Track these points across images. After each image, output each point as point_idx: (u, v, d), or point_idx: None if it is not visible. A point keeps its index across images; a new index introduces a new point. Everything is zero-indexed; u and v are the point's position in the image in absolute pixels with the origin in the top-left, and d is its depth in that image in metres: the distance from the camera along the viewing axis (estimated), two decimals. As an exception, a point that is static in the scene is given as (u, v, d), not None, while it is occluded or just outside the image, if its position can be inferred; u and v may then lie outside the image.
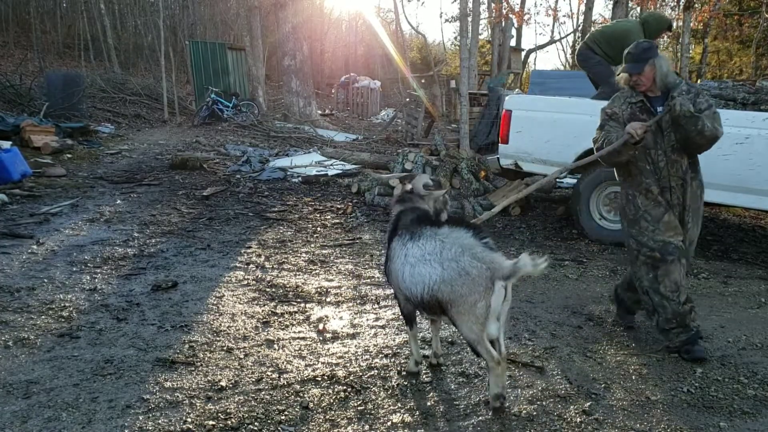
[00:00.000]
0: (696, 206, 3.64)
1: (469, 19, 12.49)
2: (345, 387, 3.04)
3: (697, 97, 3.50)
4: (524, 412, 2.85)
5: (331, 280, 4.78)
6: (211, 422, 2.65)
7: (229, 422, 2.66)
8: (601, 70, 6.74)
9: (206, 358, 3.28)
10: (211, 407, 2.78)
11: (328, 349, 3.50)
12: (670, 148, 3.52)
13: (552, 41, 33.81)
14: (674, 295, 3.51)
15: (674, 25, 26.61)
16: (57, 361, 3.16)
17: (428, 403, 2.92)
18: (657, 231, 3.52)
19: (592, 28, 19.85)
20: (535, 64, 45.66)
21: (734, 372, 3.40)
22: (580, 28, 24.31)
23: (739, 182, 5.47)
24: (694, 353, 3.52)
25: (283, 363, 3.28)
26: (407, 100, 17.01)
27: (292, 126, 15.99)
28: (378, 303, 4.30)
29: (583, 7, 22.16)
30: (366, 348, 3.54)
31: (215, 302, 4.14)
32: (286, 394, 2.94)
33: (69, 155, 10.03)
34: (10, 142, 8.75)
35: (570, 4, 55.32)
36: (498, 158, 7.26)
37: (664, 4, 22.24)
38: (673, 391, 3.14)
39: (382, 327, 3.88)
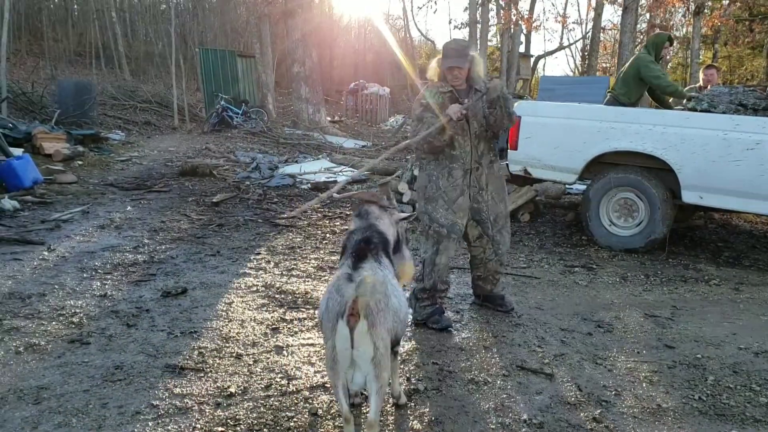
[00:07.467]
0: (498, 186, 4.07)
1: (479, 26, 12.50)
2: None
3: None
4: (534, 419, 2.84)
5: (340, 287, 4.78)
6: (220, 429, 2.65)
7: (238, 429, 2.67)
8: None
9: (215, 365, 3.29)
10: (221, 413, 2.78)
11: (337, 356, 3.50)
12: (474, 135, 3.90)
13: (561, 47, 33.95)
14: (442, 271, 3.98)
15: (681, 32, 26.60)
16: (67, 367, 3.17)
17: (437, 410, 2.91)
18: (449, 211, 3.90)
19: (601, 35, 19.86)
20: (544, 70, 45.55)
21: (746, 380, 3.36)
22: (588, 35, 24.25)
23: (750, 188, 5.43)
24: (442, 322, 3.94)
25: (292, 369, 3.28)
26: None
27: (302, 133, 16.03)
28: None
29: (592, 14, 22.12)
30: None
31: (224, 308, 4.15)
32: (295, 401, 2.94)
33: (80, 162, 10.11)
34: (22, 149, 8.86)
35: (579, 10, 55.31)
36: (507, 164, 7.25)
37: (674, 10, 22.17)
38: (684, 399, 3.11)
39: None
